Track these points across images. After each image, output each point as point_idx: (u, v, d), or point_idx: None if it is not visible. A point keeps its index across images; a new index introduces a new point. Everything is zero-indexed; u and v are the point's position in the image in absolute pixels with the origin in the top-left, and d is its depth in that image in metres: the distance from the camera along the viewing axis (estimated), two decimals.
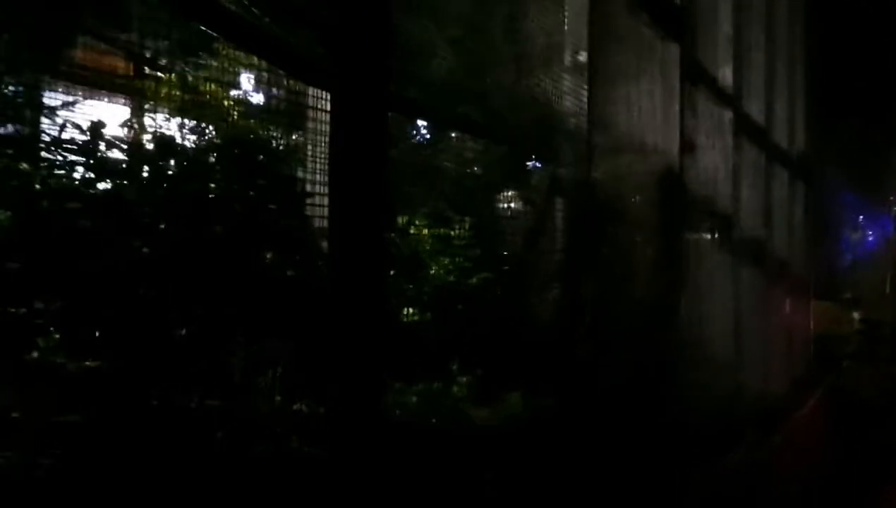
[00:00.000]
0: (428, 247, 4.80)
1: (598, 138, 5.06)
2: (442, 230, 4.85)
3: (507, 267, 5.09)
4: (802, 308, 8.45)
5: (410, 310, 4.58)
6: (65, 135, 2.41)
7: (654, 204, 4.64)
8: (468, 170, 5.20)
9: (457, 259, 4.85)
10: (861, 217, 17.28)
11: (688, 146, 4.55)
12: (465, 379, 4.52)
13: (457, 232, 4.91)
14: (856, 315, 12.83)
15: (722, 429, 4.85)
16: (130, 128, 2.56)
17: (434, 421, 3.78)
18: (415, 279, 4.59)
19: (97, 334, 2.35)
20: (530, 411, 4.73)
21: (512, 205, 5.56)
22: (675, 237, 4.47)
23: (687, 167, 4.52)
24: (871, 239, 18.17)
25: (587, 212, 5.79)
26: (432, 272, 4.71)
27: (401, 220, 4.79)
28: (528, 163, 5.63)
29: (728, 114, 5.05)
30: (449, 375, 4.50)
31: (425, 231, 4.75)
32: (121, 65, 2.56)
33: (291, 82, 2.90)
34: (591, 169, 5.37)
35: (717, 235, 4.95)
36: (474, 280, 4.81)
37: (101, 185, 2.54)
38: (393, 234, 4.61)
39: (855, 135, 13.15)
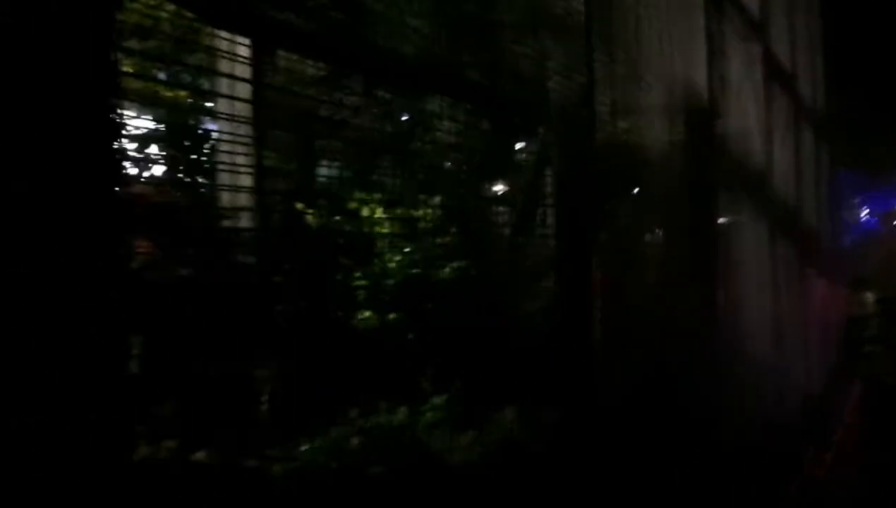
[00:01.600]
0: (387, 231, 3.78)
1: (601, 95, 4.05)
2: (401, 210, 3.83)
3: (488, 255, 4.07)
4: (833, 287, 7.49)
5: (365, 313, 3.57)
6: None
7: (676, 169, 3.67)
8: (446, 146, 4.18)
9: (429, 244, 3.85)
10: (862, 194, 16.82)
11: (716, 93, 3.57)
12: (440, 398, 3.51)
13: (424, 214, 3.90)
14: (868, 295, 12.20)
15: (769, 440, 3.87)
16: None
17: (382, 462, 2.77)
18: (366, 271, 3.58)
19: None
20: (527, 433, 3.73)
21: (496, 184, 4.53)
22: (704, 211, 3.50)
23: (716, 118, 3.55)
24: (874, 217, 17.61)
25: (588, 186, 4.80)
26: (392, 263, 3.69)
27: (354, 203, 3.78)
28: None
29: (757, 49, 4.10)
30: (419, 394, 3.50)
31: (379, 211, 3.73)
32: None
33: None
34: (593, 133, 4.41)
35: (751, 206, 3.98)
36: (447, 270, 3.79)
37: None
38: (339, 217, 3.61)
39: (862, 111, 12.47)
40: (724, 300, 3.64)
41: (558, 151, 4.44)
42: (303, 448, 2.42)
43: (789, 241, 5.05)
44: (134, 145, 2.64)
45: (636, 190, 4.19)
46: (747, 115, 3.98)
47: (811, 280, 5.89)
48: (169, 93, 2.81)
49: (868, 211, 17.59)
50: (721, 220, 3.67)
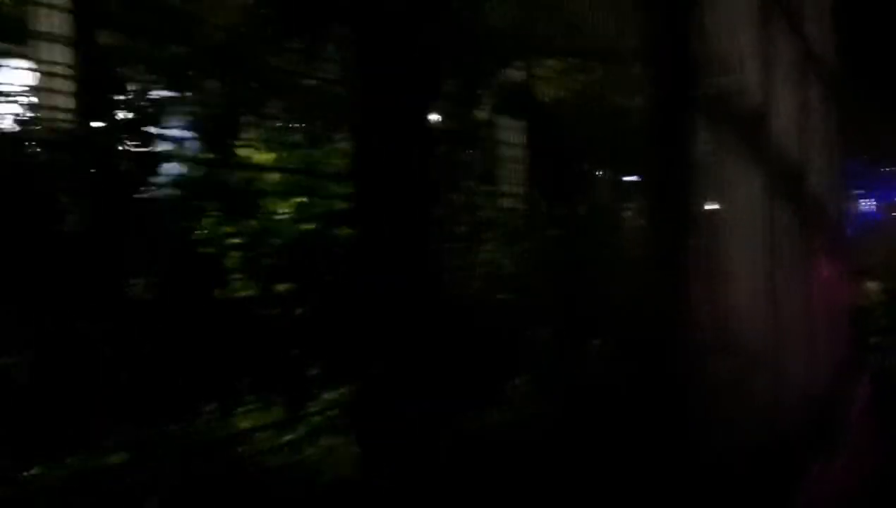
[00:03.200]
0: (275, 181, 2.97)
1: None
2: (287, 153, 3.03)
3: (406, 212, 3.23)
4: (842, 274, 6.70)
5: (239, 280, 2.76)
6: None
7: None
8: None
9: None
10: (865, 182, 16.49)
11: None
12: (333, 394, 2.71)
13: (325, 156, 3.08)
14: (872, 285, 11.68)
15: (768, 448, 3.07)
16: None
17: None
18: (242, 226, 2.77)
19: None
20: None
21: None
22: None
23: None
24: (875, 206, 17.35)
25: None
26: (281, 216, 2.87)
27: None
28: None
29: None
30: (303, 391, 2.69)
31: (260, 156, 2.92)
32: None
33: None
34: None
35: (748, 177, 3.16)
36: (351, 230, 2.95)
37: None
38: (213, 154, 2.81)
39: (865, 97, 11.80)
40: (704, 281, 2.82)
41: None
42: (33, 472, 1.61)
43: (793, 222, 4.26)
44: None
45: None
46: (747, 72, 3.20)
47: (816, 266, 5.10)
48: None
49: (871, 200, 17.28)
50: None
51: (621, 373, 3.01)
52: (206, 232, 2.64)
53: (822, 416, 4.09)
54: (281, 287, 2.82)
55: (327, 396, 2.67)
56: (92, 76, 2.31)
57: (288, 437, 2.49)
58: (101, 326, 2.20)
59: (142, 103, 2.58)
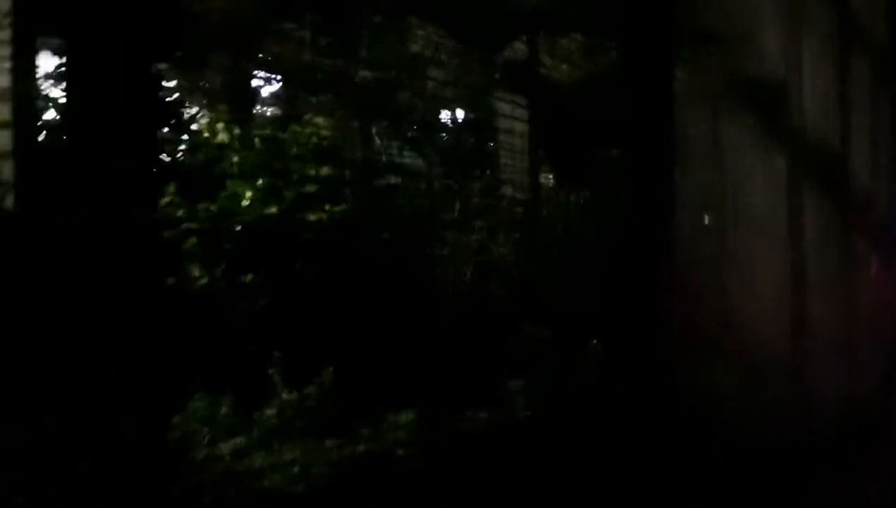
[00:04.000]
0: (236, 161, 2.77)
1: None
2: (257, 131, 2.82)
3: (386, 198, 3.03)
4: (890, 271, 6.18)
5: (197, 269, 2.57)
6: None
7: None
8: None
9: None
10: None
11: None
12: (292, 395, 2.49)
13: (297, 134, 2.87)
14: None
15: (785, 468, 2.72)
16: None
17: None
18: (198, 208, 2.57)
19: None
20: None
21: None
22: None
23: None
24: None
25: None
26: (245, 201, 2.66)
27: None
28: None
29: None
30: (259, 390, 2.48)
31: (221, 133, 2.72)
32: None
33: None
34: None
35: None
36: (323, 215, 2.74)
37: None
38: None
39: None
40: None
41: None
42: None
43: (827, 218, 3.85)
44: None
45: None
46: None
47: (859, 269, 4.65)
48: None
49: None
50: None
51: (608, 376, 2.74)
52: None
53: (859, 431, 3.70)
54: (245, 276, 2.62)
55: (286, 397, 2.45)
56: None
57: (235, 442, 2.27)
58: (32, 315, 2.01)
59: None
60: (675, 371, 2.82)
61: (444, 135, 3.51)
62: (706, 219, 2.63)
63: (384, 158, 3.12)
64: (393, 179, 3.09)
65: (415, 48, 3.28)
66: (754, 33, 2.83)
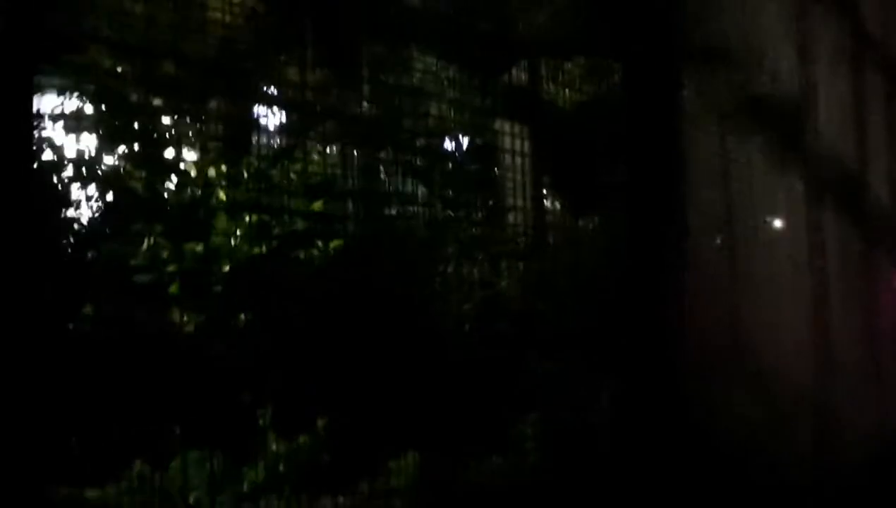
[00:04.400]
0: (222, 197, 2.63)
1: None
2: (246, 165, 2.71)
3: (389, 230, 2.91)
4: None
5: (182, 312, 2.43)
6: None
7: None
8: None
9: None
10: None
11: None
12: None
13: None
14: None
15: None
16: None
17: None
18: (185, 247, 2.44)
19: None
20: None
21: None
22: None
23: None
24: None
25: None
26: (232, 239, 2.54)
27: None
28: None
29: None
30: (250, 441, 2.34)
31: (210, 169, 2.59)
32: None
33: None
34: None
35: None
36: (314, 252, 2.61)
37: None
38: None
39: None
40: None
41: None
42: None
43: (849, 237, 3.68)
44: None
45: None
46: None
47: (884, 290, 4.46)
48: None
49: None
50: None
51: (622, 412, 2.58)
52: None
53: (890, 461, 3.50)
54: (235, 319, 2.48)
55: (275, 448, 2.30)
56: None
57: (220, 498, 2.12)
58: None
59: None
60: (691, 404, 2.67)
61: (449, 163, 3.39)
62: (718, 240, 2.49)
63: (385, 188, 3.00)
64: (393, 210, 2.96)
65: (417, 76, 3.19)
66: (766, 51, 2.70)
